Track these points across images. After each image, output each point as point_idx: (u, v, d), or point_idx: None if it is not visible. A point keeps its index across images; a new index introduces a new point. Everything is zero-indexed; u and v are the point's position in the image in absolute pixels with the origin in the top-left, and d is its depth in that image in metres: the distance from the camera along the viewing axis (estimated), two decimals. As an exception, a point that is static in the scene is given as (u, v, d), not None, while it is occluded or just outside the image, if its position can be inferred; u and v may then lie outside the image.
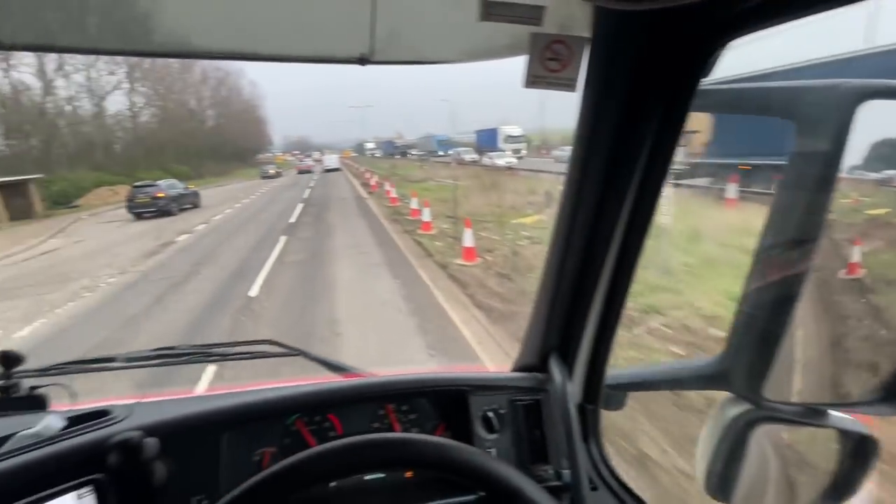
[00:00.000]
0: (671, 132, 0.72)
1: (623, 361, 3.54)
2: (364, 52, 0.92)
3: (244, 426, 0.93)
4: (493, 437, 0.99)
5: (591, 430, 1.02)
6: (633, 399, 1.11)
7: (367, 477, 1.01)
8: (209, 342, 1.24)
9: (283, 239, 10.66)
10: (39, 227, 17.35)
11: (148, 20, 0.84)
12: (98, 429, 0.83)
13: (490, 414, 1.00)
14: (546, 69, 0.78)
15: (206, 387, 3.85)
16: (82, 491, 0.74)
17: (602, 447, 1.02)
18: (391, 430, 1.06)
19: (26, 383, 1.04)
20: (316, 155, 64.35)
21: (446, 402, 1.07)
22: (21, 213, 20.31)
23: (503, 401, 1.02)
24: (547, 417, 1.00)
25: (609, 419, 1.06)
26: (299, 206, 16.93)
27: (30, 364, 1.07)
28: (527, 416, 1.00)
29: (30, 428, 0.81)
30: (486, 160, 30.55)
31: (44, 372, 1.08)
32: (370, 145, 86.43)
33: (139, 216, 17.17)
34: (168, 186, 18.13)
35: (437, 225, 10.80)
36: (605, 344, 0.96)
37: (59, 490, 0.72)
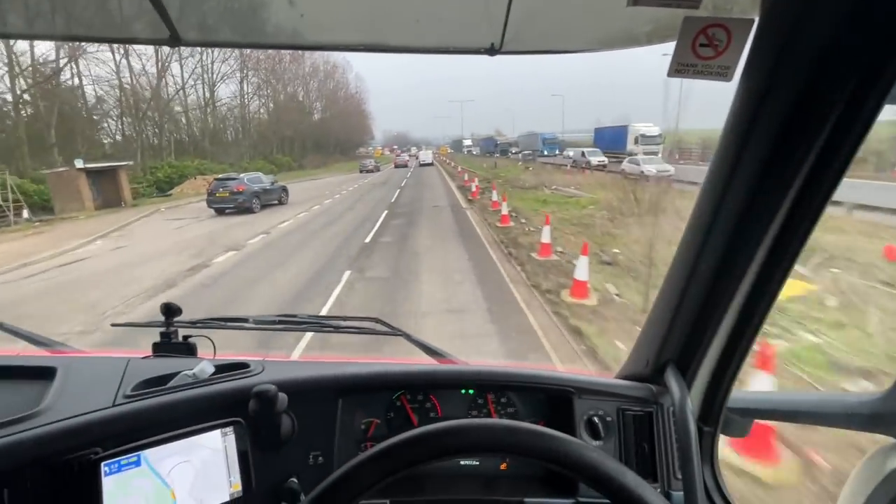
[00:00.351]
0: (853, 134, 0.61)
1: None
2: (494, 42, 0.92)
3: (356, 395, 1.00)
4: (597, 443, 0.95)
5: (706, 453, 0.93)
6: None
7: (463, 462, 1.03)
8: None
9: (345, 277, 6.96)
10: (111, 220, 15.46)
11: (285, 13, 0.93)
12: (240, 378, 0.95)
13: (595, 419, 0.96)
14: (697, 56, 0.72)
15: (301, 353, 4.10)
16: (226, 430, 0.85)
17: (718, 474, 0.93)
18: (488, 417, 1.07)
19: (181, 332, 1.23)
20: (413, 150, 66.25)
21: (548, 400, 1.05)
22: (110, 201, 19.84)
23: (610, 408, 0.97)
24: (658, 432, 0.94)
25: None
26: (383, 214, 13.65)
27: (184, 316, 1.25)
28: (636, 427, 0.95)
29: (189, 370, 0.96)
30: (627, 166, 22.66)
31: (193, 324, 1.26)
32: (467, 142, 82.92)
33: (220, 212, 15.71)
34: (252, 180, 16.18)
35: (594, 281, 5.79)
36: (733, 362, 0.87)
37: (211, 426, 0.83)
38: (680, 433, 0.82)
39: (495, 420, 0.54)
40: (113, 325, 1.35)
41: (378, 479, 0.50)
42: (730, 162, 0.72)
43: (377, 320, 1.32)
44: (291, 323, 1.29)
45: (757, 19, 0.65)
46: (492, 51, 0.93)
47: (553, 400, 1.04)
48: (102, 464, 0.75)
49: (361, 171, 37.63)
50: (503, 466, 1.04)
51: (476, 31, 0.93)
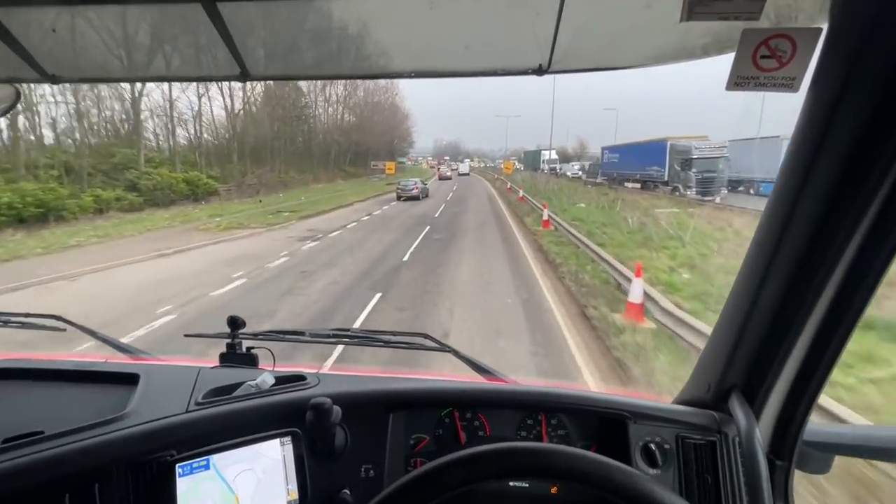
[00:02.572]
0: None
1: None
2: (542, 63, 0.93)
3: (406, 410, 1.01)
4: (654, 471, 0.90)
5: (778, 490, 0.86)
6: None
7: (512, 483, 1.01)
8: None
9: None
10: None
11: (341, 46, 0.99)
12: (298, 390, 1.00)
13: (652, 446, 0.91)
14: (758, 68, 0.69)
15: (331, 364, 3.92)
16: (285, 439, 0.90)
17: None
18: (539, 440, 1.05)
19: (245, 344, 1.31)
20: (454, 165, 60.01)
21: (601, 424, 1.02)
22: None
23: (668, 435, 0.92)
24: (723, 464, 0.88)
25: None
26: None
27: (247, 329, 1.34)
28: (698, 457, 0.89)
29: (252, 380, 1.02)
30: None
31: (255, 336, 1.34)
32: (548, 155, 52.27)
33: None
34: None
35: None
36: (808, 390, 0.80)
37: (271, 435, 0.88)
38: (748, 466, 0.77)
39: (556, 445, 0.54)
40: (186, 335, 1.46)
41: (435, 494, 0.51)
42: (800, 174, 0.68)
43: (426, 336, 1.34)
44: (345, 337, 1.34)
45: (825, 28, 0.62)
46: (539, 71, 0.94)
47: (606, 423, 1.00)
48: (177, 466, 0.81)
49: (400, 198, 23.42)
50: (554, 490, 1.02)
51: (524, 53, 0.94)
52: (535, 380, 1.17)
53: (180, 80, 1.09)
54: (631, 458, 0.92)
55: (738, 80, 0.71)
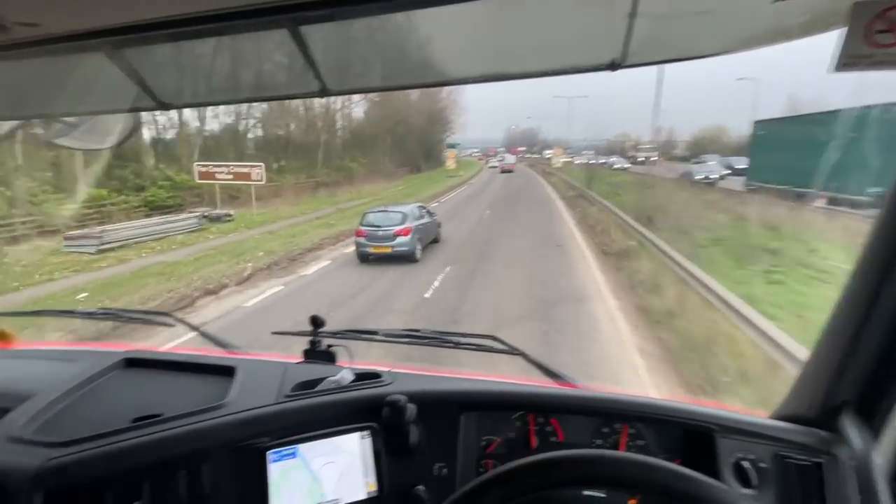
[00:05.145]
0: None
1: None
2: (615, 58, 0.90)
3: (479, 412, 1.02)
4: (748, 492, 0.83)
5: None
6: None
7: (587, 492, 0.98)
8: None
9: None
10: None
11: (413, 55, 1.02)
12: (375, 387, 1.05)
13: (745, 464, 0.84)
14: (873, 44, 0.61)
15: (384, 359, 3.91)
16: (364, 433, 0.95)
17: None
18: (615, 449, 1.01)
19: (325, 342, 1.40)
20: (509, 157, 49.31)
21: (685, 436, 0.95)
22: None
23: (765, 453, 0.85)
24: (832, 489, 0.79)
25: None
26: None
27: (327, 328, 1.43)
28: (801, 480, 0.81)
29: (333, 376, 1.09)
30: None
31: (334, 334, 1.42)
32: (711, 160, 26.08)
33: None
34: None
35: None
36: None
37: (351, 428, 0.93)
38: (865, 493, 0.68)
39: (647, 458, 0.51)
40: (273, 333, 1.60)
41: (514, 494, 0.51)
42: None
43: (494, 338, 1.34)
44: (415, 337, 1.38)
45: None
46: (612, 66, 0.91)
47: (690, 436, 0.94)
48: (269, 452, 0.89)
49: (366, 257, 9.00)
50: (632, 502, 0.97)
51: (596, 49, 0.91)
52: (608, 386, 1.12)
53: (267, 99, 1.21)
54: (720, 475, 0.85)
55: (847, 61, 0.63)
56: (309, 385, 1.09)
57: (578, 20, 0.86)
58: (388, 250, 8.63)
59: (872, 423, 0.75)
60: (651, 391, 4.24)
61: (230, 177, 15.93)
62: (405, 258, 8.74)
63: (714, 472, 0.86)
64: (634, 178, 25.62)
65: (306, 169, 27.16)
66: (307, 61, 0.98)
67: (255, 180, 15.75)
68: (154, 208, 16.46)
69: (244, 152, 24.97)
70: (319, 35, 0.93)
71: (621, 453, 0.52)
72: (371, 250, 8.78)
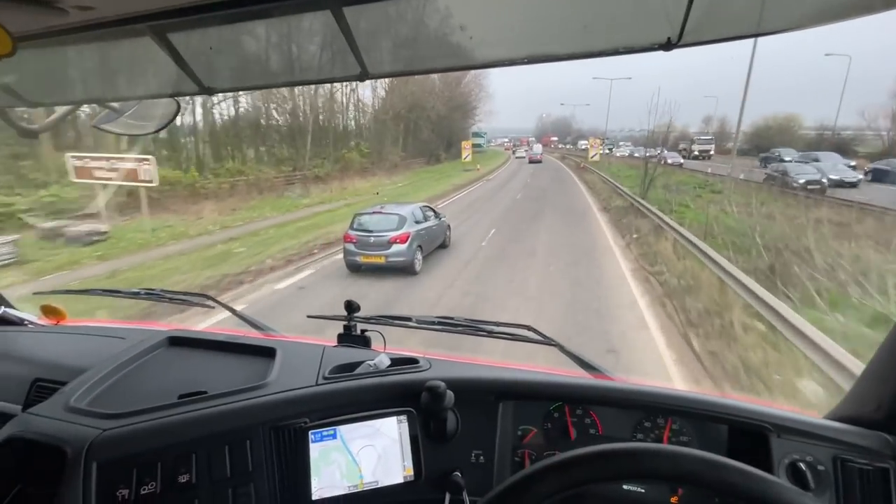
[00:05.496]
0: None
1: None
2: (671, 36, 0.85)
3: (516, 401, 1.01)
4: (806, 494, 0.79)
5: None
6: None
7: (626, 486, 0.96)
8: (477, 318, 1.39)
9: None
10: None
11: (456, 37, 0.99)
12: (412, 373, 1.05)
13: (802, 465, 0.80)
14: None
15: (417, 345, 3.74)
16: (401, 418, 0.95)
17: None
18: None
19: (360, 326, 1.41)
20: (536, 147, 46.13)
21: (732, 435, 0.92)
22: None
23: (823, 455, 0.81)
24: None
25: None
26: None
27: (361, 312, 1.44)
28: (864, 485, 0.77)
29: (370, 360, 1.09)
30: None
31: (367, 320, 1.43)
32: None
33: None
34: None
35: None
36: None
37: (390, 412, 0.94)
38: None
39: (697, 451, 0.49)
40: (308, 316, 1.62)
41: (564, 487, 0.50)
42: None
43: (530, 328, 1.32)
44: (449, 325, 1.38)
45: None
46: (668, 45, 0.86)
47: (739, 435, 0.90)
48: (310, 432, 0.90)
49: None
50: (674, 499, 0.95)
51: (650, 27, 0.87)
52: (645, 380, 1.09)
53: (308, 83, 1.19)
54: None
55: None
56: (347, 368, 1.10)
57: None
58: (382, 260, 7.27)
59: None
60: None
61: (113, 174, 9.73)
62: (402, 270, 7.40)
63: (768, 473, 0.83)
64: (697, 180, 19.27)
65: (295, 160, 22.29)
66: (349, 44, 0.96)
67: (143, 181, 9.78)
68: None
69: (203, 139, 19.11)
70: (362, 17, 0.92)
71: (684, 449, 0.50)
72: (361, 260, 7.41)
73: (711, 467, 0.48)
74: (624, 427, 1.01)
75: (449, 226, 9.39)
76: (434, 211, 8.98)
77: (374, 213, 7.88)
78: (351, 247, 7.50)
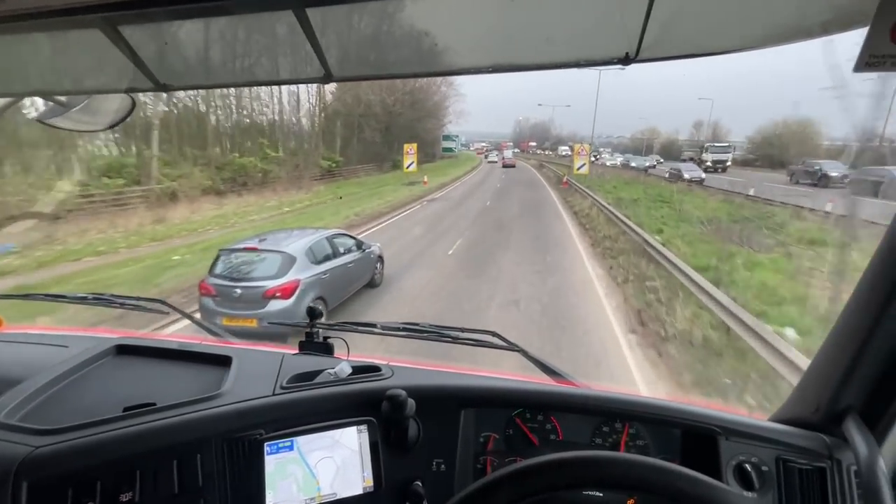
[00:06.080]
0: None
1: None
2: (629, 51, 0.88)
3: (479, 408, 1.01)
4: (750, 495, 0.83)
5: None
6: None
7: (586, 493, 0.98)
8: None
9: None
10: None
11: (421, 43, 0.99)
12: (374, 381, 1.03)
13: (748, 467, 0.84)
14: (898, 44, 0.60)
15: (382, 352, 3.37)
16: (361, 427, 0.93)
17: None
18: (615, 449, 1.00)
19: (322, 333, 1.38)
20: (506, 152, 46.24)
21: (685, 438, 0.95)
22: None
23: (767, 456, 0.84)
24: (836, 494, 0.78)
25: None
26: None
27: (324, 319, 1.41)
28: (803, 484, 0.81)
29: (331, 368, 1.07)
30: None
31: (331, 326, 1.40)
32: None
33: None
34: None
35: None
36: None
37: (350, 422, 0.92)
38: (869, 499, 0.68)
39: (649, 459, 0.51)
40: (269, 323, 1.57)
41: (520, 496, 0.50)
42: None
43: (494, 334, 1.33)
44: (414, 331, 1.37)
45: None
46: (626, 60, 0.89)
47: (690, 438, 0.93)
48: (265, 444, 0.87)
49: None
50: (630, 502, 0.97)
51: (609, 42, 0.89)
52: (607, 385, 1.12)
53: (270, 83, 1.16)
54: (722, 477, 0.85)
55: (870, 60, 0.62)
56: (306, 377, 1.07)
57: (594, 10, 0.84)
58: (253, 324, 4.71)
59: (877, 428, 0.74)
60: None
61: None
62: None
63: (715, 474, 0.86)
64: (749, 209, 12.28)
65: (139, 168, 14.75)
66: (313, 45, 0.95)
67: None
68: None
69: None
70: (326, 19, 0.91)
71: (636, 456, 0.51)
72: (224, 322, 4.76)
73: (662, 474, 0.49)
74: (583, 432, 1.02)
75: (381, 257, 6.99)
76: (355, 239, 6.66)
77: (246, 248, 5.41)
78: (209, 302, 4.95)
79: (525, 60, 0.98)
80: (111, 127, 1.49)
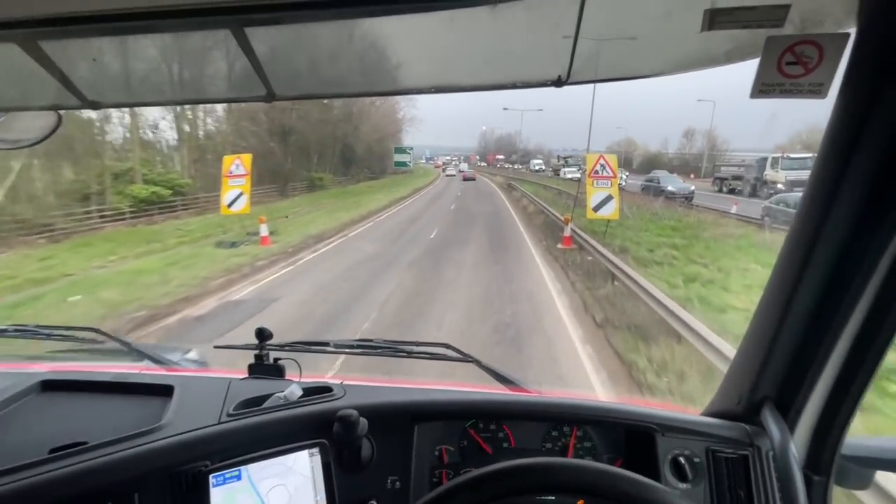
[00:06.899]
0: None
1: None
2: (561, 74, 0.94)
3: (431, 421, 1.02)
4: (684, 486, 0.88)
5: None
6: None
7: (539, 497, 1.01)
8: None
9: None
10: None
11: (362, 65, 1.01)
12: (325, 402, 1.02)
13: (682, 460, 0.90)
14: (783, 75, 0.68)
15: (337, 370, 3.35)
16: (313, 451, 0.91)
17: None
18: (564, 453, 1.04)
19: (272, 355, 1.34)
20: (463, 165, 48.07)
21: (628, 436, 1.00)
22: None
23: (698, 448, 0.91)
24: (757, 478, 0.86)
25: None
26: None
27: (274, 340, 1.37)
28: (729, 471, 0.87)
29: (280, 392, 1.04)
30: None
31: (282, 347, 1.36)
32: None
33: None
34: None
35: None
36: (846, 402, 0.78)
37: (300, 446, 0.90)
38: (783, 481, 0.75)
39: (595, 464, 0.55)
40: (215, 346, 1.51)
41: (478, 502, 0.52)
42: (832, 179, 0.67)
43: (448, 346, 1.34)
44: (368, 347, 1.36)
45: (853, 33, 0.61)
46: (559, 83, 0.95)
47: (633, 436, 0.99)
48: (211, 476, 0.83)
49: None
50: (580, 503, 1.01)
51: (543, 65, 0.95)
52: (559, 391, 1.16)
53: (210, 101, 1.14)
54: (660, 472, 0.90)
55: (762, 88, 0.70)
56: (255, 402, 1.03)
57: (526, 37, 0.89)
58: None
59: (788, 415, 0.82)
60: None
61: None
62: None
63: (655, 469, 0.91)
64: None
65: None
66: (253, 64, 0.94)
67: None
68: None
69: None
70: (266, 38, 0.90)
71: (585, 462, 0.56)
72: None
73: (607, 478, 0.53)
74: (534, 438, 1.05)
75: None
76: None
77: None
78: None
79: (464, 81, 1.02)
80: (35, 144, 1.40)
